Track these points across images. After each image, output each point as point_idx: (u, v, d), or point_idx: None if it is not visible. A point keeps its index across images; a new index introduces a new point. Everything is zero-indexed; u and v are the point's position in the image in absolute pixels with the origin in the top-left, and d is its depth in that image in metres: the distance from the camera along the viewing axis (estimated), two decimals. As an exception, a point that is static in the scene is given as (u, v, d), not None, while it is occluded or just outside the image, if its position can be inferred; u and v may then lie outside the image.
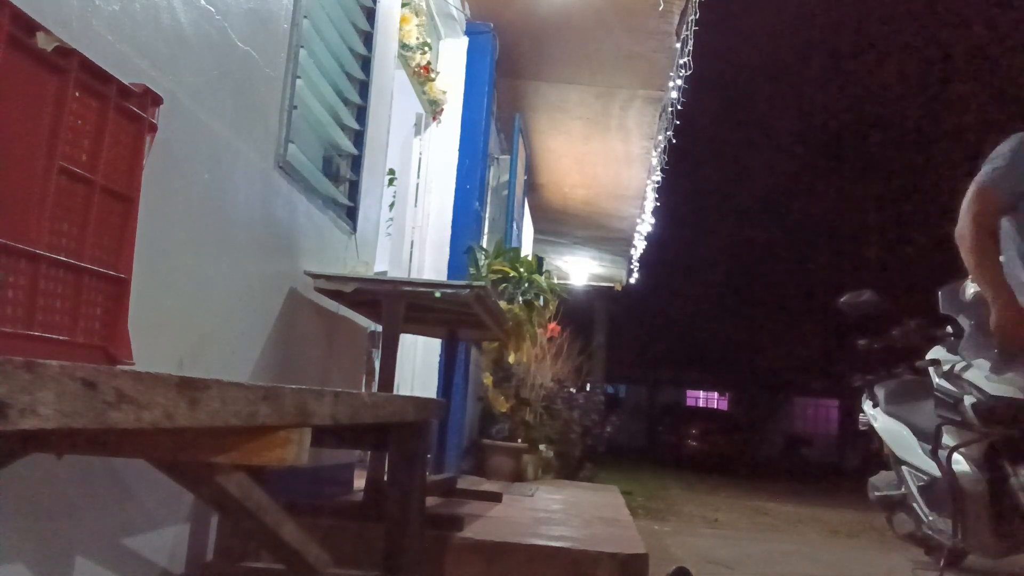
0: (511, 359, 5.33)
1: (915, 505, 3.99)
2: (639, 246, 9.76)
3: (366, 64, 3.08)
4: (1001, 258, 2.97)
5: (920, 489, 3.97)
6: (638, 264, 10.88)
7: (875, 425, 4.34)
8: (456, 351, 3.97)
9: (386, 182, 3.82)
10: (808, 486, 12.74)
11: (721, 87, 16.17)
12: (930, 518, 3.88)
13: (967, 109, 14.63)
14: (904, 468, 4.10)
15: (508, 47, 5.22)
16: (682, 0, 4.61)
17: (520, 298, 4.90)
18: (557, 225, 9.60)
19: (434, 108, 4.71)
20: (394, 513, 1.89)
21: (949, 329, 3.98)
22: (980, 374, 3.55)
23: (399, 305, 2.57)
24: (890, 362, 4.52)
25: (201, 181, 1.89)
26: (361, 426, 1.81)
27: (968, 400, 3.55)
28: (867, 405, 4.49)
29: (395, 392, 3.07)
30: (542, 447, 5.70)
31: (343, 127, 2.91)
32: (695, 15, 4.76)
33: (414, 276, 4.59)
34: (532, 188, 8.17)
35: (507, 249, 5.43)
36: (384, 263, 4.39)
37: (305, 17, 2.46)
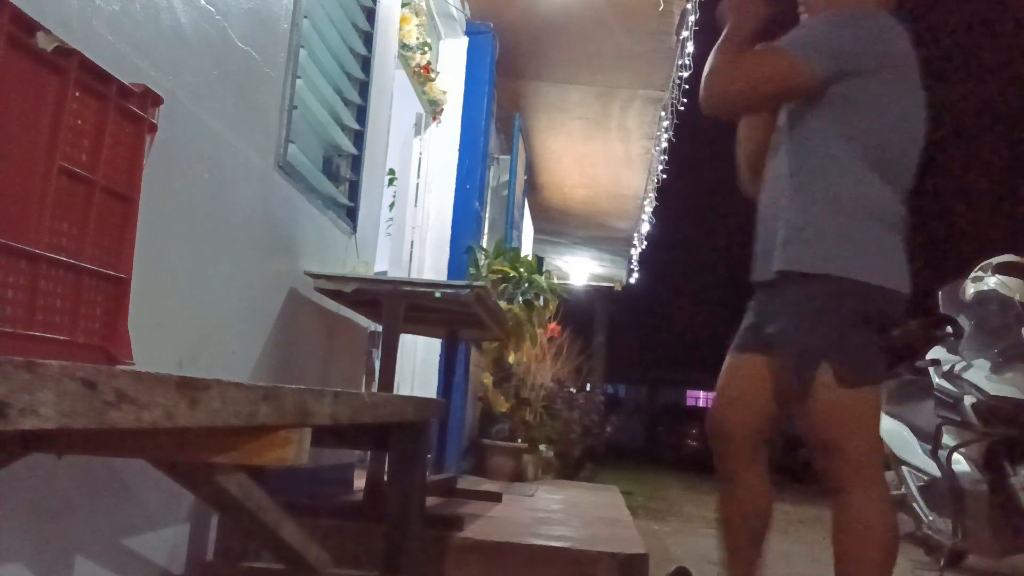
0: (511, 359, 5.33)
1: (915, 505, 3.99)
2: (639, 246, 9.76)
3: (366, 64, 3.08)
4: None
5: (920, 489, 3.98)
6: (638, 264, 10.88)
7: (875, 425, 4.34)
8: (456, 351, 3.97)
9: (386, 182, 3.82)
10: (808, 486, 12.73)
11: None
12: (930, 518, 3.88)
13: (967, 110, 14.64)
14: (904, 468, 4.10)
15: (508, 47, 5.22)
16: (682, 0, 4.61)
17: (520, 298, 4.90)
18: (557, 225, 9.59)
19: (434, 108, 4.71)
20: (394, 513, 1.89)
21: (949, 329, 3.99)
22: (980, 374, 3.56)
23: (399, 305, 2.57)
24: (890, 362, 4.52)
25: (201, 181, 1.89)
26: (361, 426, 1.81)
27: (968, 400, 3.56)
28: (867, 405, 4.49)
29: (395, 392, 3.07)
30: (542, 447, 5.70)
31: (343, 127, 2.91)
32: (695, 15, 4.76)
33: (414, 276, 4.58)
34: (532, 188, 8.17)
35: (507, 249, 5.42)
36: (384, 263, 4.39)
37: (305, 17, 2.46)
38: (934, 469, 3.76)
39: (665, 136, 6.39)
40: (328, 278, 2.56)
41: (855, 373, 1.82)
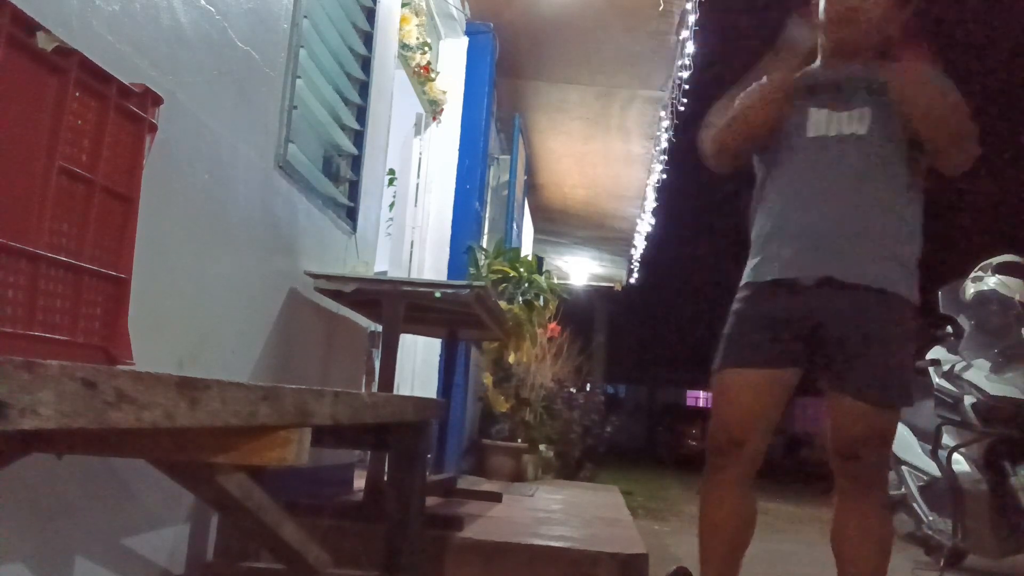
0: (511, 359, 5.32)
1: (915, 505, 3.99)
2: (639, 246, 9.76)
3: (366, 64, 3.08)
4: None
5: (920, 489, 3.98)
6: (638, 264, 10.87)
7: (875, 425, 4.34)
8: (456, 351, 3.97)
9: (386, 182, 3.82)
10: (808, 486, 12.73)
11: (721, 87, 16.14)
12: (930, 518, 3.88)
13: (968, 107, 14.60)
14: (904, 468, 4.10)
15: (508, 47, 5.22)
16: (682, 0, 4.60)
17: (520, 298, 4.90)
18: (557, 225, 9.59)
19: (434, 108, 4.71)
20: (394, 513, 1.89)
21: (949, 329, 3.99)
22: (980, 374, 3.56)
23: (399, 305, 2.57)
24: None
25: (201, 181, 1.89)
26: (361, 426, 1.81)
27: (968, 400, 3.56)
28: (867, 405, 4.48)
29: (395, 392, 3.07)
30: (542, 447, 5.69)
31: (343, 127, 2.91)
32: (695, 15, 4.76)
33: (414, 276, 4.58)
34: (532, 188, 8.17)
35: (507, 249, 5.42)
36: (384, 263, 4.39)
37: (305, 17, 2.46)
38: (934, 469, 3.76)
39: (665, 136, 6.39)
40: (328, 278, 2.56)
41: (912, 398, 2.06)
